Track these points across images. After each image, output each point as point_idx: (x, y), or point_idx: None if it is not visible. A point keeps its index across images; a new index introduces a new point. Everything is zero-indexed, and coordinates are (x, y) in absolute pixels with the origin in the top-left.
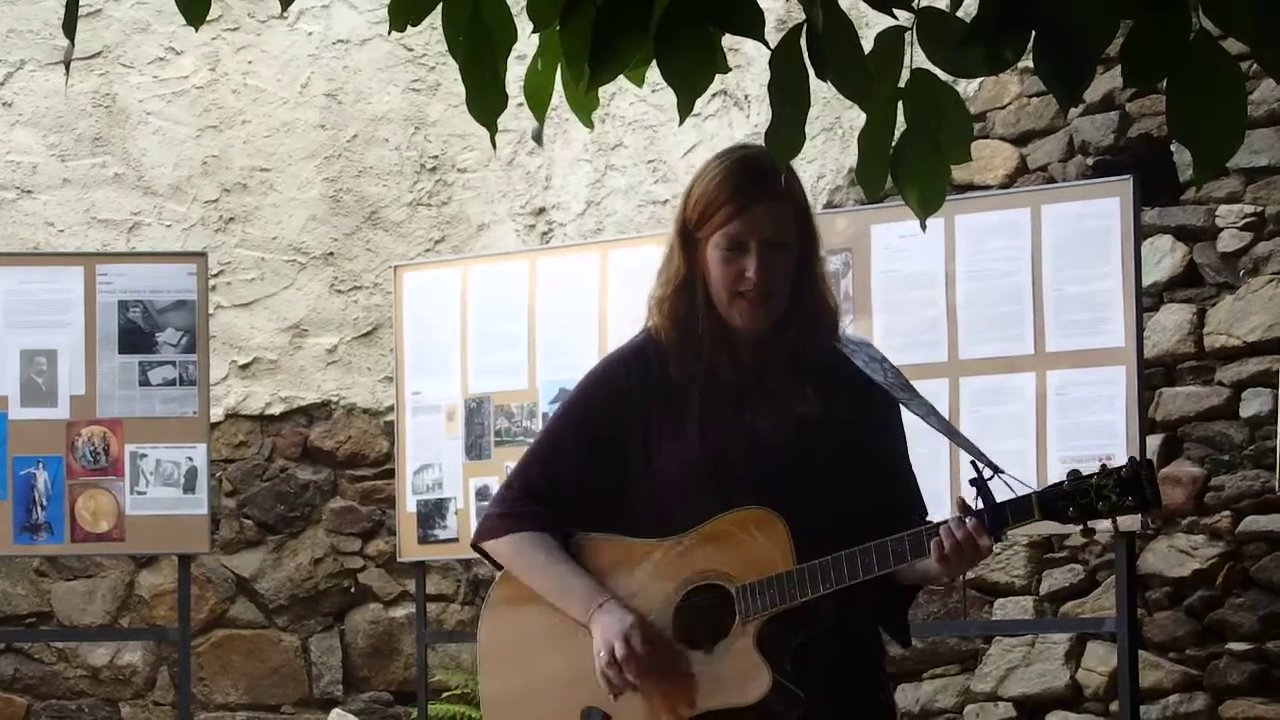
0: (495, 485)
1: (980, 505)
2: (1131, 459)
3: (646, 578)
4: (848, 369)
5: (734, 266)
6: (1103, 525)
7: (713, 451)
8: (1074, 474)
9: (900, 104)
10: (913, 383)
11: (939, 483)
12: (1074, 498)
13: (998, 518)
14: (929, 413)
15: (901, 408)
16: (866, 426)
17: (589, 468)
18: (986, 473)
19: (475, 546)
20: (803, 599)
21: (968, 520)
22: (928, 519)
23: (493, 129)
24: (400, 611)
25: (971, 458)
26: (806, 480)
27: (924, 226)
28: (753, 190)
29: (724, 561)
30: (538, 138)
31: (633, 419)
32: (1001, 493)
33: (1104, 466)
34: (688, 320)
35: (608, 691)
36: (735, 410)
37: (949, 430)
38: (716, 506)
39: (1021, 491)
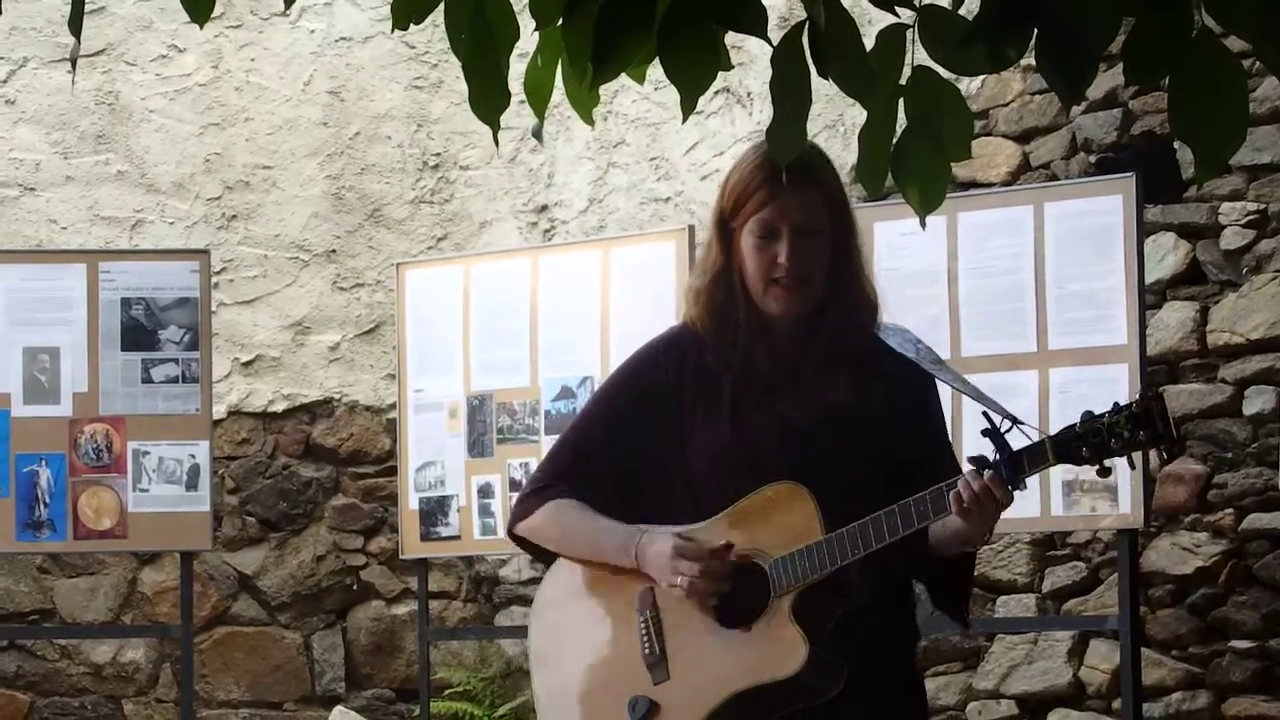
0: (498, 483)
1: (996, 456)
2: (1143, 392)
3: None
4: (884, 355)
5: (767, 253)
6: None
7: (745, 439)
8: (1086, 414)
9: (901, 101)
10: None
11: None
12: (1086, 438)
13: (1014, 466)
14: (956, 378)
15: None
16: (902, 413)
17: (618, 461)
18: (1001, 423)
19: (511, 534)
20: (834, 567)
21: (985, 472)
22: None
23: (495, 127)
24: (402, 609)
25: (984, 409)
26: (838, 468)
27: (924, 224)
28: (784, 178)
29: (755, 539)
30: (538, 135)
31: (665, 413)
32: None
33: (1116, 404)
34: (725, 310)
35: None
36: (768, 399)
37: (975, 392)
38: (750, 492)
39: (1031, 430)
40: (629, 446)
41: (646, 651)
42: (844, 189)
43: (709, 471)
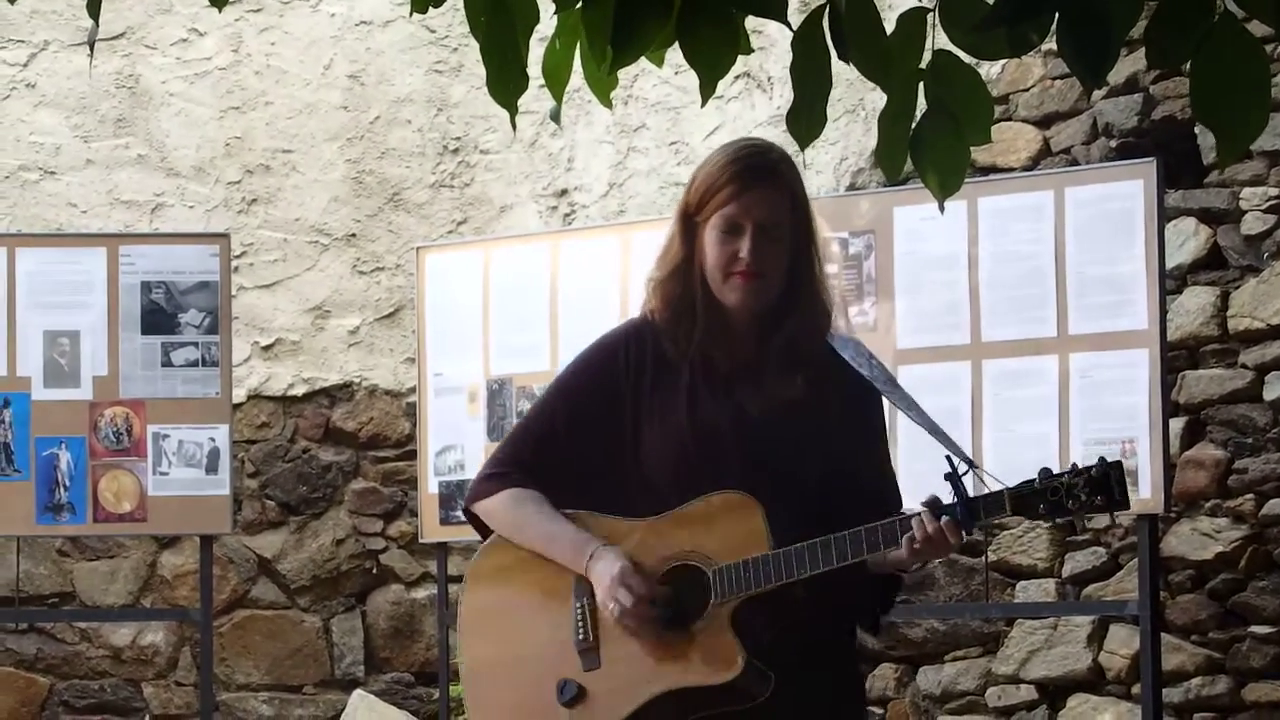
0: None
1: (954, 499)
2: (1101, 459)
3: (628, 554)
4: (837, 363)
5: (729, 248)
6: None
7: (701, 430)
8: (1045, 471)
9: (921, 85)
10: (935, 365)
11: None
12: (1045, 495)
13: (970, 512)
14: (910, 406)
15: (885, 402)
16: (852, 422)
17: (577, 450)
18: (960, 466)
19: (466, 510)
20: (777, 583)
21: (942, 517)
22: (903, 512)
23: (513, 110)
24: (422, 592)
25: (947, 452)
26: (791, 463)
27: (942, 208)
28: (751, 176)
29: (702, 543)
30: (556, 118)
31: (623, 400)
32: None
33: (1075, 466)
34: (683, 302)
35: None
36: (725, 390)
37: (929, 424)
38: (705, 486)
39: (992, 482)
40: (588, 436)
41: (580, 637)
42: (807, 194)
43: (666, 462)
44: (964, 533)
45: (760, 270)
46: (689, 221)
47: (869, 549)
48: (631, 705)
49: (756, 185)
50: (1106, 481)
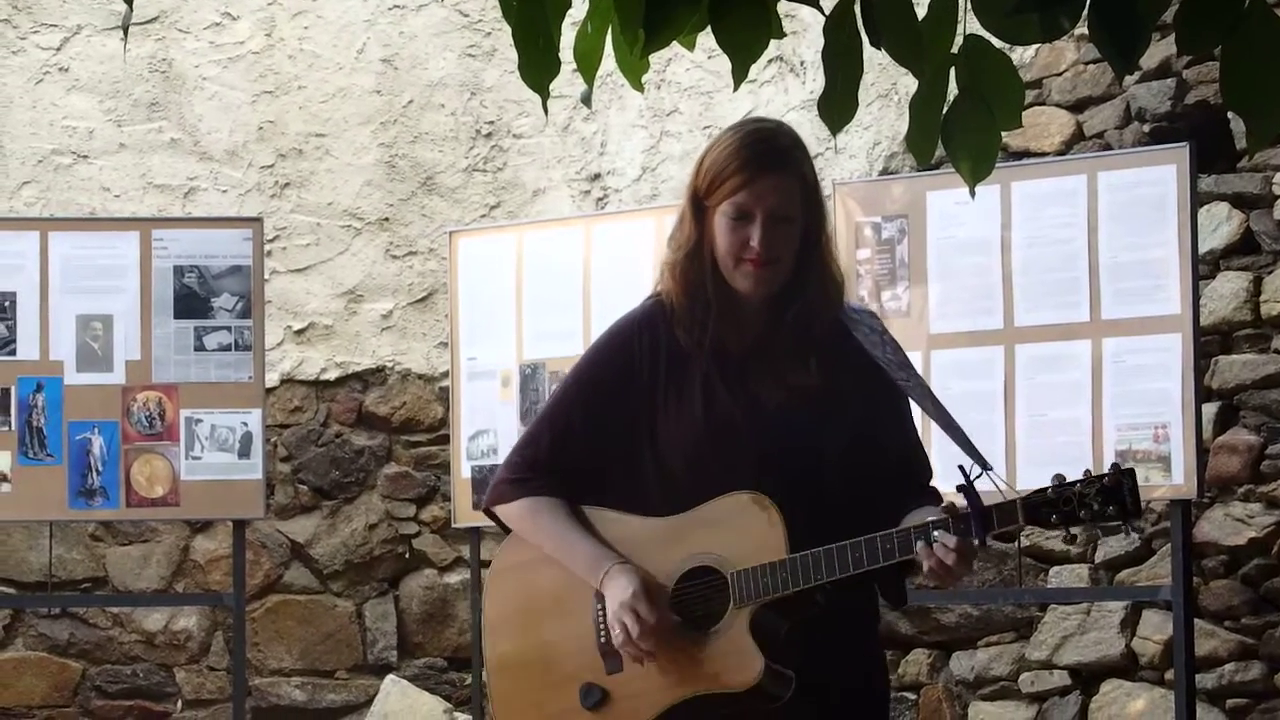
0: None
1: (966, 509)
2: (1115, 465)
3: (645, 556)
4: (852, 342)
5: (739, 235)
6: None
7: (716, 421)
8: (1058, 479)
9: (953, 70)
10: (968, 350)
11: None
12: (1057, 505)
13: (983, 523)
14: (924, 396)
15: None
16: (869, 399)
17: (594, 441)
18: (973, 471)
19: (487, 511)
20: (795, 589)
21: (953, 540)
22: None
23: (545, 95)
24: (455, 577)
25: (961, 462)
26: (809, 452)
27: (973, 193)
28: (761, 163)
29: (720, 545)
30: (587, 101)
31: (639, 390)
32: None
33: (1088, 473)
34: (696, 285)
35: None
36: (740, 380)
37: (942, 417)
38: (720, 476)
39: (999, 481)
40: (604, 430)
41: (602, 640)
42: (817, 177)
43: (681, 452)
44: (978, 544)
45: (771, 257)
46: (699, 204)
47: (885, 557)
48: (654, 710)
49: (767, 172)
50: (1119, 491)
